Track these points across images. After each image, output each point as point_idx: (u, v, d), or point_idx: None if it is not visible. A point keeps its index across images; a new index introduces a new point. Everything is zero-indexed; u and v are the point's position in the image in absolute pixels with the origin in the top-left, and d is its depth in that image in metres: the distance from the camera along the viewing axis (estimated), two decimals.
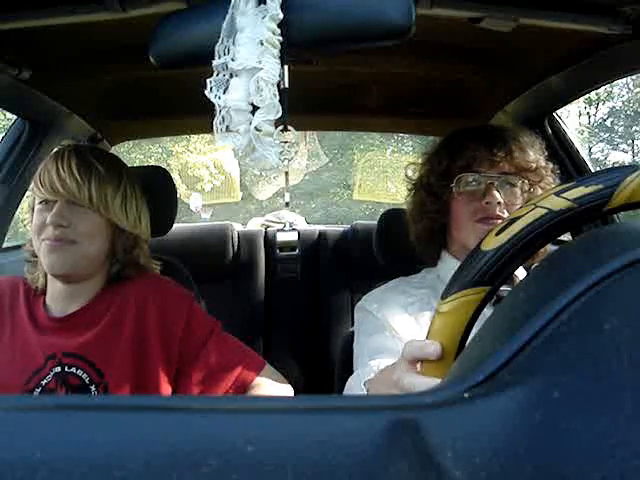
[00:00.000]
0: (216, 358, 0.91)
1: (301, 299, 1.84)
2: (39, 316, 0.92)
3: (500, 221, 0.93)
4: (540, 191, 0.93)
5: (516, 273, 0.51)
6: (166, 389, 0.90)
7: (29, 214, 0.95)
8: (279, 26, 0.53)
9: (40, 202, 0.90)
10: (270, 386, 0.93)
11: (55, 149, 0.95)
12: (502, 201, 0.89)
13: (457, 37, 1.01)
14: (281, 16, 0.53)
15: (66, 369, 0.87)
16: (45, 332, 0.90)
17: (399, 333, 0.87)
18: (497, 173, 0.91)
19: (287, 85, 0.55)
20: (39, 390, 0.86)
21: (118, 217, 0.92)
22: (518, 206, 0.90)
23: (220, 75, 0.55)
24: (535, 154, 0.93)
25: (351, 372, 0.88)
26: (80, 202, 0.88)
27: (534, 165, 0.92)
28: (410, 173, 1.04)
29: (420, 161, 1.03)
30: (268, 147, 0.54)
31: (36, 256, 0.93)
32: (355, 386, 0.80)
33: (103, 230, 0.92)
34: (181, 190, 8.71)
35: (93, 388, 0.87)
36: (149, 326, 0.91)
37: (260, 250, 1.86)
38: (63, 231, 0.87)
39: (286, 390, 0.96)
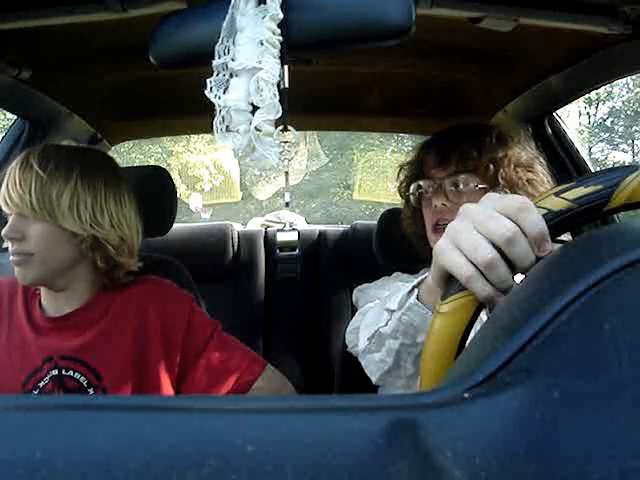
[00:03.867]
0: (217, 360, 0.91)
1: (301, 299, 1.84)
2: (36, 317, 0.91)
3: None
4: (511, 186, 0.85)
5: None
6: (167, 391, 0.89)
7: None
8: (279, 26, 0.53)
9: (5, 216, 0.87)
10: (272, 387, 0.92)
11: None
12: (448, 204, 0.86)
13: (457, 37, 1.01)
14: (281, 16, 0.53)
15: (63, 372, 0.86)
16: (42, 333, 0.89)
17: None
18: (444, 175, 0.88)
19: (287, 85, 0.55)
20: (36, 392, 0.85)
21: (67, 221, 0.85)
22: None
23: (220, 75, 0.55)
24: (492, 150, 0.87)
25: (351, 372, 0.88)
26: (25, 213, 0.84)
27: (491, 161, 0.86)
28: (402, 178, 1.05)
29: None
30: (268, 147, 0.54)
31: None
32: (356, 321, 0.86)
33: (58, 237, 0.86)
34: (181, 190, 8.71)
35: (91, 391, 0.86)
36: (150, 328, 0.90)
37: (260, 250, 1.86)
38: (19, 245, 0.84)
39: (288, 391, 0.96)
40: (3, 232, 0.84)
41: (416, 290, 0.64)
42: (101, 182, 0.90)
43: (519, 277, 0.38)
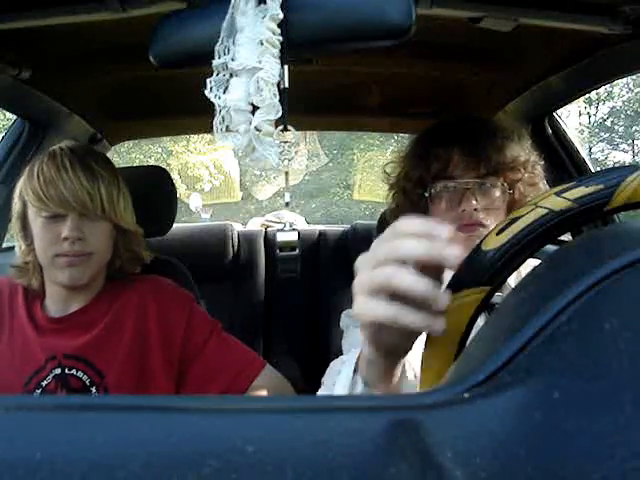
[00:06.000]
0: (217, 359, 0.91)
1: (301, 299, 1.83)
2: (38, 316, 0.91)
3: (481, 228, 0.86)
4: (522, 188, 0.88)
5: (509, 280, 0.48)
6: (167, 390, 0.90)
7: (17, 222, 0.90)
8: (279, 26, 0.53)
9: (46, 216, 0.85)
10: (271, 387, 0.92)
11: (47, 154, 0.90)
12: (479, 207, 0.85)
13: (457, 37, 1.01)
14: (281, 16, 0.53)
15: (66, 371, 0.87)
16: (44, 333, 0.89)
17: None
18: (473, 177, 0.87)
19: (287, 85, 0.55)
20: (39, 391, 0.86)
21: (124, 219, 0.91)
22: (499, 209, 0.87)
23: (220, 75, 0.55)
24: (512, 151, 0.88)
25: None
26: (93, 213, 0.85)
27: (512, 164, 0.88)
28: (389, 170, 1.00)
29: (396, 160, 0.99)
30: (268, 147, 0.54)
31: (27, 263, 0.90)
32: (333, 372, 0.75)
33: (112, 235, 0.91)
34: (181, 190, 8.72)
35: (94, 390, 0.87)
36: (150, 327, 0.90)
37: (260, 250, 1.86)
38: (80, 244, 0.85)
39: (287, 391, 0.96)
40: (67, 233, 0.83)
41: (359, 377, 0.58)
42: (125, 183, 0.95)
43: (508, 288, 0.38)
